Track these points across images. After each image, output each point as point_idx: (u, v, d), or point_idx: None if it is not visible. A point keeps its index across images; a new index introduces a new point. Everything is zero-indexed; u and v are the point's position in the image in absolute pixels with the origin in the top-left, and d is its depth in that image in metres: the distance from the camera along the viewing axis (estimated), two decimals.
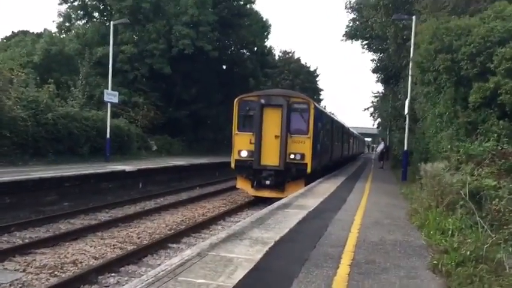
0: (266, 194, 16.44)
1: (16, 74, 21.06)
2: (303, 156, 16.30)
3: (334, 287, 4.96)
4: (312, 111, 16.65)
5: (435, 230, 7.65)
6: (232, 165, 17.08)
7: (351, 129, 42.22)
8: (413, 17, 18.68)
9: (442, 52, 11.90)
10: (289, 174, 16.38)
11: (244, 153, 16.58)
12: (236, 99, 17.17)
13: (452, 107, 12.17)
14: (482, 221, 6.87)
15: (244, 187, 17.39)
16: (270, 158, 16.25)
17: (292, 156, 16.30)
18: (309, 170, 16.35)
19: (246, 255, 6.01)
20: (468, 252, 5.96)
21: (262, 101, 16.45)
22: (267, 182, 16.29)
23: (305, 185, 15.79)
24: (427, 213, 9.03)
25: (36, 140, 19.39)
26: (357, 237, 7.58)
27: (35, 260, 8.70)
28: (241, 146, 16.63)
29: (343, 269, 5.67)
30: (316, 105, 18.09)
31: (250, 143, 16.35)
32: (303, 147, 16.38)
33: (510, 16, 11.67)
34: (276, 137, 16.25)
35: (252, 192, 17.06)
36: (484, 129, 10.72)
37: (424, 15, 17.48)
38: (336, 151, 25.46)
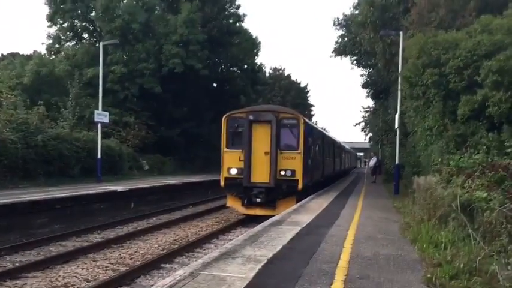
0: (257, 211, 16.09)
1: (5, 97, 21.06)
2: (293, 172, 16.00)
3: None
4: (301, 127, 16.37)
5: (428, 243, 7.64)
6: (222, 183, 16.78)
7: (343, 144, 42.23)
8: (401, 33, 18.92)
9: (430, 66, 12.06)
10: (280, 191, 16.05)
11: (233, 171, 16.33)
12: (224, 116, 17.00)
13: (442, 120, 12.29)
14: (474, 233, 6.88)
15: (235, 205, 17.07)
16: (260, 175, 15.99)
17: (282, 172, 16.00)
18: (300, 186, 16.03)
19: (239, 273, 5.96)
20: (462, 265, 5.96)
21: (251, 117, 16.27)
22: (258, 200, 15.99)
23: (296, 202, 15.49)
24: (419, 226, 9.03)
25: (26, 162, 19.25)
26: (350, 252, 7.55)
27: (25, 284, 8.58)
28: (231, 163, 16.38)
29: (337, 285, 5.63)
30: (306, 120, 17.86)
31: (240, 160, 16.09)
32: (293, 163, 16.07)
33: (496, 30, 11.87)
34: (266, 153, 15.98)
35: (242, 210, 16.71)
36: (473, 142, 10.82)
37: (411, 31, 17.73)
38: (327, 166, 25.15)
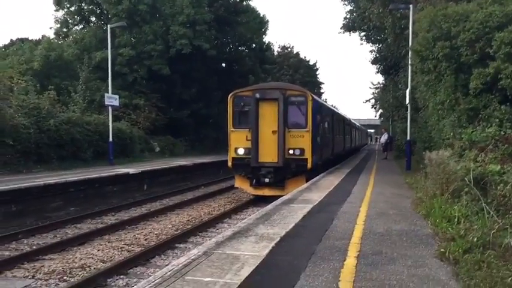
0: (266, 192, 15.94)
1: (16, 82, 21.16)
2: (302, 151, 15.76)
3: (341, 279, 4.95)
4: (309, 104, 16.04)
5: (441, 218, 7.62)
6: (229, 163, 16.56)
7: (353, 121, 41.86)
8: (411, 6, 18.59)
9: (441, 39, 11.83)
10: (289, 171, 15.84)
11: (241, 151, 16.09)
12: (230, 95, 16.68)
13: (453, 94, 12.11)
14: (488, 207, 6.84)
15: (243, 186, 16.83)
16: (268, 154, 15.71)
17: (291, 151, 15.76)
18: (309, 165, 15.80)
19: (252, 251, 6.01)
20: (475, 239, 5.95)
21: (257, 95, 15.88)
22: (266, 180, 15.77)
23: (306, 181, 15.18)
24: (432, 201, 9.01)
25: (39, 147, 19.46)
26: (362, 228, 7.57)
27: (43, 266, 8.73)
28: (238, 143, 16.14)
29: (350, 261, 5.66)
30: (314, 97, 17.44)
31: (247, 139, 15.82)
32: (302, 141, 15.81)
33: (508, 0, 11.59)
34: (274, 132, 15.67)
35: (251, 191, 16.54)
36: (485, 115, 10.67)
37: (421, 4, 17.38)
38: (337, 144, 24.79)
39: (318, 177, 16.32)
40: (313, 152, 16.03)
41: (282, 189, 15.46)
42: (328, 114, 22.02)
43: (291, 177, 15.87)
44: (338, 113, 28.80)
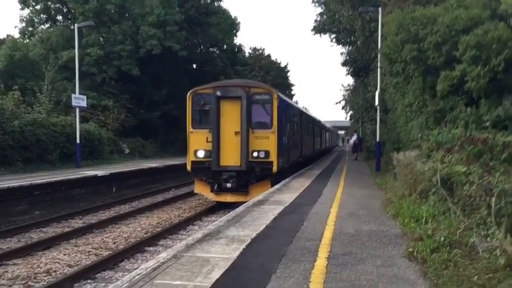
0: (228, 198, 14.87)
1: None
2: (267, 153, 14.68)
3: (312, 280, 4.94)
4: (275, 102, 14.95)
5: (409, 218, 7.73)
6: (188, 167, 15.29)
7: (323, 122, 42.01)
8: (379, 9, 18.89)
9: (409, 42, 12.02)
10: (253, 175, 14.74)
11: (201, 153, 14.90)
12: (189, 93, 15.59)
13: (421, 96, 12.33)
14: (454, 207, 6.97)
15: (203, 192, 15.64)
16: (231, 157, 14.66)
17: (255, 154, 14.66)
18: (275, 168, 14.74)
19: (223, 254, 5.95)
20: (442, 238, 6.04)
21: (218, 93, 14.72)
22: (228, 185, 14.63)
23: (272, 186, 14.31)
24: (401, 202, 9.14)
25: (3, 149, 18.88)
26: (333, 229, 7.60)
27: (6, 271, 8.45)
28: (197, 145, 14.94)
29: (321, 261, 5.67)
30: (281, 95, 16.33)
31: (207, 141, 14.68)
32: (267, 143, 14.71)
33: (472, 5, 11.87)
34: (236, 133, 14.60)
35: (212, 197, 15.40)
36: (452, 117, 10.88)
37: (390, 7, 17.68)
38: (306, 146, 24.02)
39: (288, 178, 16.29)
40: (279, 155, 15.12)
41: (245, 195, 14.50)
42: (296, 114, 21.15)
43: (255, 182, 14.83)
44: (307, 113, 28.17)
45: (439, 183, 7.69)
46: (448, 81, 10.97)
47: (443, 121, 11.17)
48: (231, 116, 14.69)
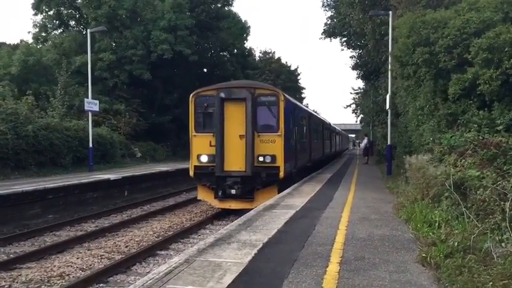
0: (232, 205, 14.31)
1: None
2: (273, 158, 14.02)
3: (324, 285, 4.93)
4: (281, 104, 14.27)
5: (422, 222, 7.68)
6: (191, 172, 14.74)
7: (333, 125, 41.55)
8: (390, 12, 18.82)
9: (420, 45, 11.99)
10: (258, 181, 14.15)
11: (204, 158, 14.32)
12: (192, 95, 14.89)
13: (433, 100, 12.27)
14: (468, 212, 6.92)
15: (207, 198, 15.09)
16: (235, 162, 14.01)
17: (261, 158, 14.02)
18: (281, 174, 14.08)
19: (235, 259, 5.96)
20: (456, 243, 5.99)
21: (222, 94, 14.12)
22: (233, 192, 14.02)
23: (278, 192, 13.72)
24: (413, 206, 9.08)
25: (17, 153, 19.08)
26: (345, 234, 7.58)
27: (20, 275, 8.53)
28: (201, 149, 14.36)
29: (333, 267, 5.65)
30: (287, 96, 15.62)
31: (211, 145, 14.09)
32: (273, 147, 14.07)
33: (484, 7, 11.80)
34: (241, 136, 13.96)
35: (215, 203, 14.83)
36: (464, 120, 10.82)
37: (401, 10, 17.61)
38: (315, 150, 23.19)
39: (299, 182, 16.20)
40: (286, 159, 14.42)
41: (250, 201, 13.98)
42: (304, 116, 20.32)
43: (261, 188, 14.24)
44: (316, 116, 27.40)
45: (452, 188, 7.64)
46: (460, 84, 10.92)
47: (455, 125, 11.10)
48: (235, 119, 14.09)
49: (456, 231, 6.48)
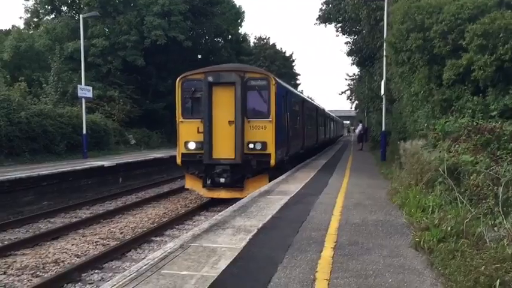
0: (222, 194, 13.83)
1: None
2: (264, 145, 13.50)
3: (318, 270, 4.96)
4: (273, 89, 13.61)
5: (416, 208, 7.71)
6: (178, 160, 14.26)
7: (328, 112, 41.31)
8: None
9: (414, 31, 11.97)
10: (248, 169, 13.65)
11: (191, 145, 13.80)
12: (178, 79, 14.27)
13: (427, 85, 12.27)
14: (461, 197, 6.95)
15: (195, 187, 14.58)
16: (224, 149, 13.47)
17: (251, 145, 13.50)
18: (273, 161, 13.55)
19: (229, 244, 5.98)
20: (449, 228, 6.02)
21: (210, 78, 13.48)
22: (222, 180, 13.56)
23: (270, 180, 13.23)
24: (407, 191, 9.12)
25: (10, 140, 18.97)
26: (339, 219, 7.62)
27: (15, 261, 8.55)
28: (188, 136, 13.83)
29: (327, 252, 5.69)
30: (279, 80, 14.97)
31: (199, 132, 13.54)
32: (264, 133, 13.54)
33: None
34: (230, 122, 13.44)
35: (204, 193, 14.33)
36: (458, 106, 10.85)
37: None
38: (309, 136, 22.72)
39: (293, 169, 16.22)
40: (278, 146, 13.88)
41: (240, 190, 13.51)
42: (298, 102, 19.72)
43: (251, 177, 13.76)
44: (309, 102, 26.91)
45: (445, 173, 7.68)
46: (455, 70, 10.93)
47: (449, 110, 11.14)
48: (224, 104, 13.51)
49: (449, 216, 6.52)
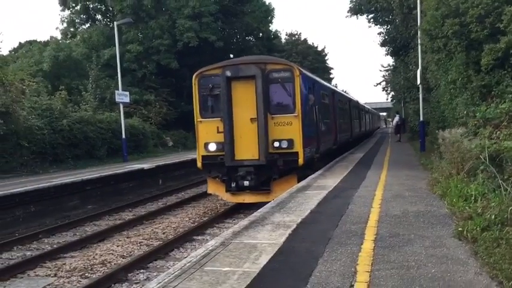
0: (246, 199, 12.71)
1: (27, 84, 21.33)
2: (291, 142, 12.33)
3: (359, 263, 4.95)
4: (297, 80, 12.47)
5: (458, 197, 7.57)
6: (199, 163, 13.20)
7: (363, 104, 39.69)
8: None
9: (450, 17, 11.67)
10: (274, 170, 12.54)
11: (212, 147, 12.74)
12: (195, 75, 13.42)
13: (465, 72, 11.97)
14: (504, 184, 6.78)
15: (218, 192, 13.50)
16: (247, 149, 12.40)
17: (276, 144, 12.35)
18: (301, 160, 12.39)
19: (269, 240, 6.03)
20: (493, 216, 5.90)
21: (228, 73, 12.41)
22: (246, 183, 12.37)
23: (298, 181, 12.11)
24: (448, 181, 8.94)
25: (54, 147, 19.69)
26: (379, 212, 7.55)
27: (64, 264, 8.86)
28: (208, 137, 12.82)
29: (368, 244, 5.66)
30: (304, 71, 13.93)
31: (219, 132, 12.52)
32: (289, 130, 12.38)
33: None
34: (252, 120, 12.32)
35: (227, 198, 13.21)
36: (498, 91, 10.52)
37: None
38: (342, 130, 21.32)
39: (331, 163, 16.07)
40: (306, 143, 12.73)
41: (267, 194, 12.39)
42: (327, 94, 18.22)
43: (278, 178, 12.63)
44: (341, 93, 25.44)
45: (487, 160, 7.49)
46: (493, 54, 10.60)
47: (489, 96, 10.82)
48: (245, 100, 12.44)
49: (493, 204, 6.37)
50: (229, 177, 12.72)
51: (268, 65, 12.73)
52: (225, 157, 12.43)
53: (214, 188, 13.58)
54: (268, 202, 9.34)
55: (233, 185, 12.60)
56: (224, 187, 12.95)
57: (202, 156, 13.05)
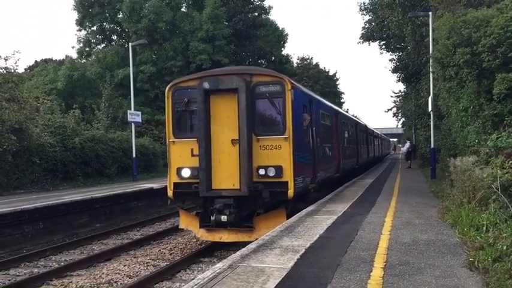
0: (224, 237, 10.62)
1: (42, 102, 21.67)
2: (279, 170, 10.27)
3: None
4: (289, 95, 10.40)
5: (469, 226, 7.48)
6: (170, 192, 11.15)
7: (371, 128, 37.99)
8: (430, 13, 18.51)
9: (461, 46, 11.73)
10: (259, 202, 10.43)
11: (186, 173, 10.73)
12: (168, 87, 11.38)
13: (477, 100, 11.96)
14: None
15: (190, 227, 11.44)
16: (226, 177, 10.40)
17: (261, 171, 10.31)
18: (291, 192, 10.26)
19: (278, 264, 5.99)
20: (505, 247, 5.83)
21: (206, 84, 10.41)
22: (224, 218, 10.30)
23: (288, 217, 9.95)
24: (459, 210, 8.86)
25: (65, 165, 19.85)
26: (388, 239, 7.47)
27: (71, 282, 8.86)
28: (181, 161, 10.83)
29: (377, 272, 5.59)
30: (298, 85, 11.91)
31: (193, 155, 10.57)
32: (278, 155, 10.33)
33: None
34: (233, 142, 10.39)
35: (201, 234, 11.03)
36: (511, 121, 10.49)
37: (441, 11, 17.29)
38: (347, 156, 19.11)
39: (341, 187, 15.99)
40: (298, 171, 10.63)
41: (249, 232, 10.40)
42: (328, 114, 15.89)
43: (264, 213, 10.48)
44: (346, 115, 22.95)
45: (499, 190, 7.43)
46: (505, 83, 10.60)
47: (501, 125, 10.78)
48: (225, 118, 10.51)
49: (505, 234, 6.30)
50: (205, 210, 10.86)
51: (254, 76, 10.70)
52: (199, 186, 10.39)
53: (186, 222, 11.53)
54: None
55: (213, 218, 10.50)
56: (198, 222, 10.96)
57: (174, 184, 11.03)
